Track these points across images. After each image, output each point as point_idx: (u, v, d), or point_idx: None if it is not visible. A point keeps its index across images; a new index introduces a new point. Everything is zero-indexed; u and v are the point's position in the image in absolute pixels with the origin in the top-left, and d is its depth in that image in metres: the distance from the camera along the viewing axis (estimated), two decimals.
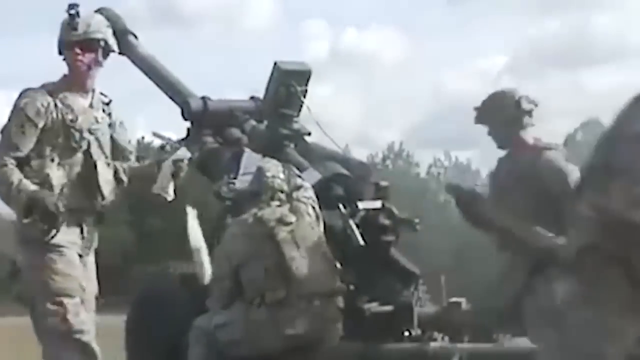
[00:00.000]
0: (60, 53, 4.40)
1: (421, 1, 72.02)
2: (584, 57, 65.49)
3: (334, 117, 55.47)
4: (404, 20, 73.78)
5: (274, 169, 5.24)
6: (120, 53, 6.71)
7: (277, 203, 5.09)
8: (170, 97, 6.74)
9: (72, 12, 4.32)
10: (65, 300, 4.20)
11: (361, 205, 5.71)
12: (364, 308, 5.51)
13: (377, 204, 5.74)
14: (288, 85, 6.15)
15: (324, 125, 6.32)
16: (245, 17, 67.62)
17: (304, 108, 6.29)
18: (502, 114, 4.61)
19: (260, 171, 5.21)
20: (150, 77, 6.58)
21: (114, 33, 6.61)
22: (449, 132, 62.43)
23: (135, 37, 6.73)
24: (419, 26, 72.27)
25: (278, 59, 6.21)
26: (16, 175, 4.19)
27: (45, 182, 4.25)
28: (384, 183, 5.99)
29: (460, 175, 46.15)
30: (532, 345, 5.04)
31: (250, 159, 5.73)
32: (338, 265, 5.11)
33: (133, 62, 6.68)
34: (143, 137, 47.92)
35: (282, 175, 5.25)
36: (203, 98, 6.59)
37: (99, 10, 6.71)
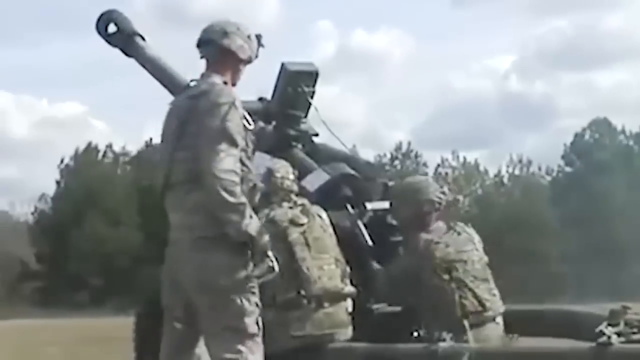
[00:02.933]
0: (222, 56, 4.28)
1: (428, 1, 71.88)
2: (592, 56, 65.34)
3: (341, 118, 55.45)
4: (411, 21, 73.66)
5: (283, 170, 5.25)
6: (128, 55, 6.75)
7: (289, 204, 5.10)
8: None
9: (261, 43, 4.41)
10: None
11: (369, 206, 5.71)
12: (372, 309, 5.51)
13: (385, 204, 5.74)
14: (296, 86, 6.16)
15: (332, 125, 6.32)
16: (252, 17, 67.53)
17: (312, 109, 6.29)
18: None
19: (269, 172, 5.21)
20: (158, 79, 6.58)
21: (124, 35, 6.69)
22: (457, 132, 62.38)
23: (143, 39, 6.74)
24: (426, 26, 72.25)
25: (285, 60, 6.22)
26: (249, 208, 4.00)
27: (252, 193, 4.14)
28: (392, 183, 5.99)
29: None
30: (540, 345, 5.05)
31: (259, 160, 5.73)
32: (347, 267, 5.11)
33: (141, 64, 6.68)
34: (151, 139, 48.21)
35: (291, 177, 5.26)
36: None
37: (107, 13, 6.74)
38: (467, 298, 5.02)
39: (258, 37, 4.43)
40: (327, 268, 4.97)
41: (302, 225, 5.01)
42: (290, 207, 5.09)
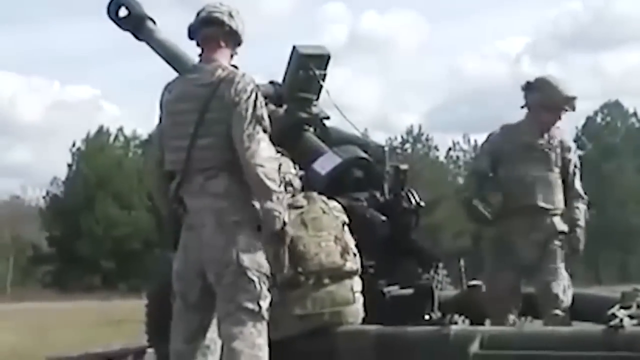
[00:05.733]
0: (227, 37, 4.28)
1: None
2: (605, 38, 65.24)
3: (353, 101, 55.49)
4: (423, 2, 73.50)
5: (285, 165, 5.24)
6: (139, 39, 6.74)
7: (290, 193, 5.10)
8: None
9: None
10: None
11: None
12: (384, 292, 5.52)
13: None
14: (307, 69, 6.15)
15: (343, 109, 6.32)
16: (264, 0, 67.49)
17: (323, 92, 6.29)
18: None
19: None
20: (169, 63, 6.57)
21: (134, 19, 6.68)
22: (468, 115, 62.27)
23: (154, 22, 6.73)
24: (438, 8, 72.12)
25: (297, 43, 6.21)
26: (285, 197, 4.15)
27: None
28: (403, 166, 5.99)
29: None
30: (552, 328, 5.05)
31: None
32: (354, 248, 5.07)
33: (152, 47, 6.68)
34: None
35: (293, 171, 5.26)
36: None
37: None
38: None
39: None
40: (324, 245, 4.95)
41: (300, 207, 5.02)
42: (293, 195, 5.09)
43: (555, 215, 5.58)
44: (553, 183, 5.59)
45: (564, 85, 5.63)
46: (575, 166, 5.69)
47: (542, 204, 5.54)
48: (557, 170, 5.62)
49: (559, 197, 5.60)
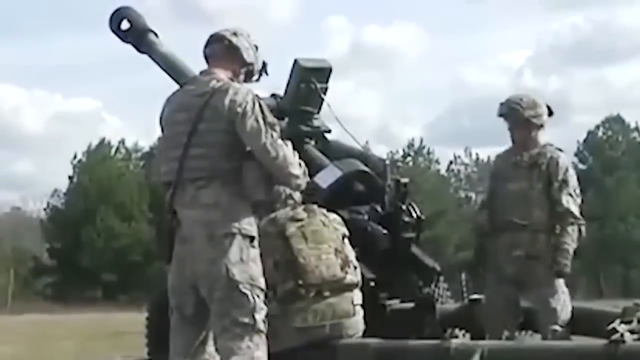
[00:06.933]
0: (228, 53, 4.33)
1: None
2: (607, 52, 65.14)
3: (354, 114, 55.50)
4: (425, 16, 73.69)
5: None
6: (140, 52, 6.76)
7: (293, 204, 5.10)
8: None
9: (266, 70, 4.53)
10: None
11: None
12: (385, 305, 5.52)
13: None
14: (308, 82, 6.17)
15: (344, 121, 6.34)
16: (266, 13, 67.63)
17: (325, 105, 6.30)
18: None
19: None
20: (171, 75, 6.60)
21: (136, 32, 6.70)
22: (470, 127, 62.33)
23: (156, 35, 6.76)
24: (440, 21, 72.14)
25: (298, 56, 6.23)
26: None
27: None
28: (404, 180, 5.99)
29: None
30: (551, 342, 5.04)
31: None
32: (354, 260, 5.07)
33: (154, 60, 6.70)
34: None
35: None
36: None
37: (121, 9, 6.76)
38: None
39: (264, 63, 4.44)
40: (325, 257, 4.95)
41: (301, 220, 5.01)
42: (294, 208, 5.10)
43: (537, 231, 5.48)
44: (532, 199, 5.50)
45: (515, 102, 5.66)
46: (564, 182, 5.53)
47: (517, 220, 5.48)
48: (539, 186, 5.52)
49: (539, 214, 5.49)
